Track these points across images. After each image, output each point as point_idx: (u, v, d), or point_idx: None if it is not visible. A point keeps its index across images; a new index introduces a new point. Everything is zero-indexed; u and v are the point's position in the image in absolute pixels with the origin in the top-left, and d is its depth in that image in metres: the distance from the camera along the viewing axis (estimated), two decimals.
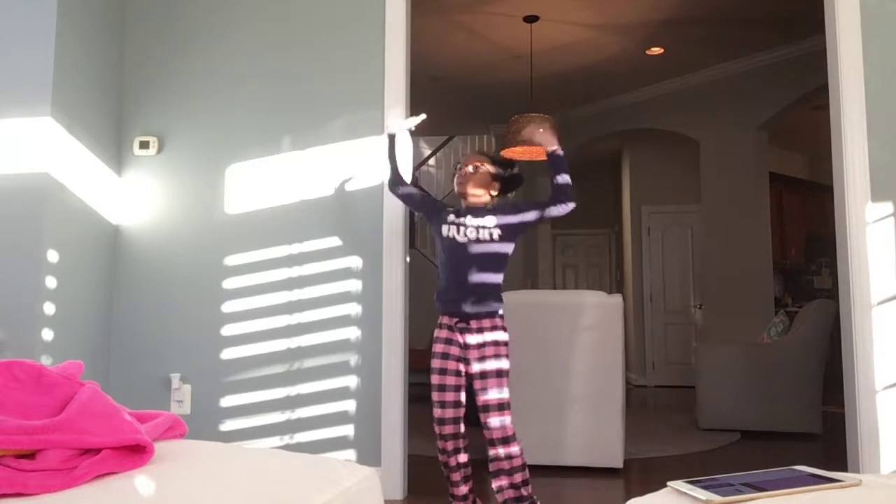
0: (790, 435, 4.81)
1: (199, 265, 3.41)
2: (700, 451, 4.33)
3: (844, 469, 3.07)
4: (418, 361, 8.32)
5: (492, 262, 2.51)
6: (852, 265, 2.97)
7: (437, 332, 2.56)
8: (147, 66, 3.56)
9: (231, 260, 3.39)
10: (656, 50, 6.28)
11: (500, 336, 2.49)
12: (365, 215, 3.30)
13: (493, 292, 2.52)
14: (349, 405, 3.23)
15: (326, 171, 3.37)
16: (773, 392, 4.83)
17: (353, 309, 3.27)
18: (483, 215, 2.56)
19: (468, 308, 2.48)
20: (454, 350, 2.51)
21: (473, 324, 2.48)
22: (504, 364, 2.46)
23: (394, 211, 3.27)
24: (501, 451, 2.42)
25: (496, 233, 2.51)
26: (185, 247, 3.44)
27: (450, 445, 2.51)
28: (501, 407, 2.43)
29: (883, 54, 3.02)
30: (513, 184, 2.69)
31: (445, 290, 2.53)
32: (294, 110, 3.43)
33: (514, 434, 2.44)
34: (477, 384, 2.46)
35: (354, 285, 3.28)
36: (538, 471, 3.57)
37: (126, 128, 3.54)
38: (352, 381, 3.24)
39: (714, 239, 6.74)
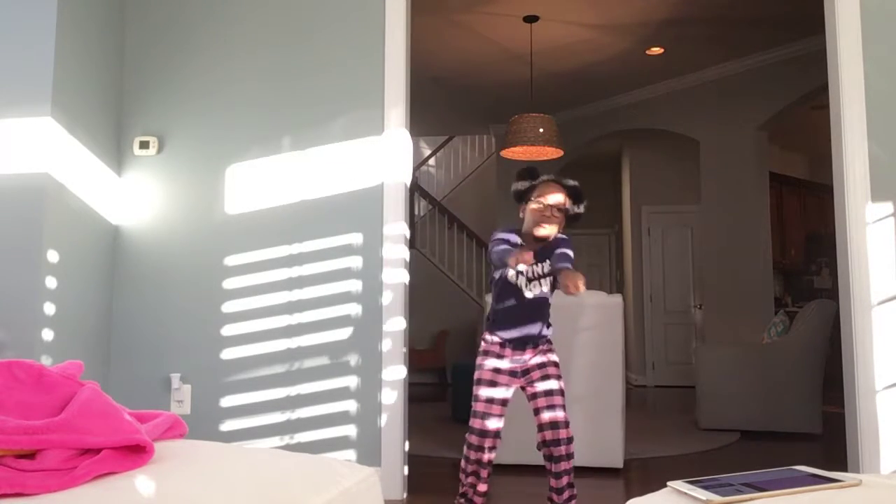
0: (790, 435, 4.81)
1: (200, 265, 3.41)
2: (700, 451, 4.33)
3: (844, 469, 3.07)
4: (418, 361, 8.33)
5: None
6: (852, 265, 2.97)
7: None
8: (147, 65, 3.56)
9: (231, 260, 3.39)
10: (656, 50, 6.28)
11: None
12: (365, 215, 3.30)
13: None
14: (349, 405, 3.23)
15: (326, 171, 3.36)
16: (773, 392, 4.83)
17: (353, 309, 3.27)
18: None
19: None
20: None
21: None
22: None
23: (394, 211, 3.27)
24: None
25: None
26: (185, 247, 3.44)
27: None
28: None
29: (883, 54, 3.02)
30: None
31: None
32: (294, 109, 3.42)
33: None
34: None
35: (354, 285, 3.28)
36: (538, 471, 3.56)
37: (126, 128, 3.54)
38: (352, 381, 3.24)
39: (714, 239, 6.74)
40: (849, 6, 3.04)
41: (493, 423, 2.50)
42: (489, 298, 2.68)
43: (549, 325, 2.61)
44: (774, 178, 7.60)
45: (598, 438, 3.67)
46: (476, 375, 2.56)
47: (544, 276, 2.52)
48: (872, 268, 2.94)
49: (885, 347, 2.90)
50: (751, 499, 1.18)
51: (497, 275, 2.58)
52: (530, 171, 2.61)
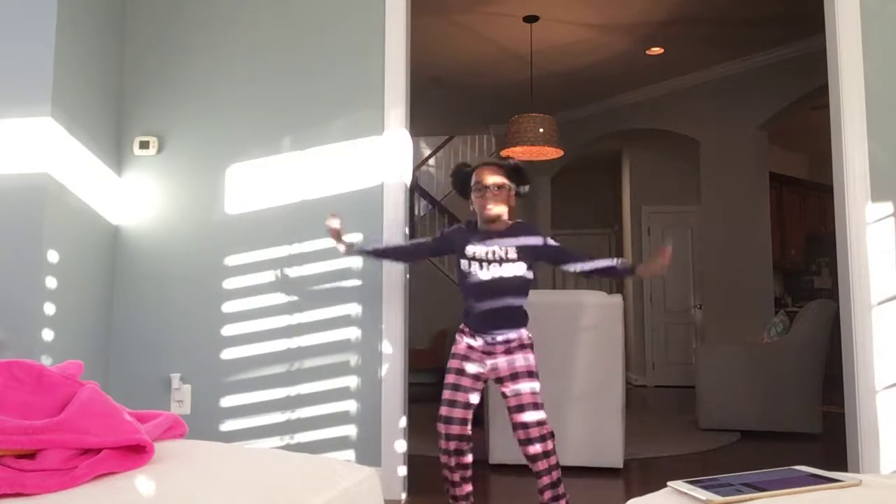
0: (790, 435, 4.81)
1: (199, 265, 3.41)
2: (700, 451, 4.33)
3: (844, 469, 3.07)
4: (418, 361, 8.33)
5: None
6: (852, 265, 2.97)
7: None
8: (147, 65, 3.56)
9: (231, 260, 3.39)
10: (656, 50, 6.28)
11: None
12: (365, 215, 3.30)
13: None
14: (349, 405, 3.23)
15: (326, 171, 3.36)
16: (773, 392, 4.83)
17: (353, 309, 3.27)
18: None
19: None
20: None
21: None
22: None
23: (394, 211, 3.27)
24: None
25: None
26: (185, 247, 3.43)
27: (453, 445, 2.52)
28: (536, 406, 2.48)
29: (883, 54, 3.01)
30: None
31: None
32: (294, 110, 3.42)
33: (551, 433, 2.48)
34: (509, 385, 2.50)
35: (354, 285, 3.28)
36: None
37: (126, 128, 3.54)
38: (352, 381, 3.24)
39: (714, 239, 6.74)
40: (849, 6, 3.04)
41: (455, 429, 2.50)
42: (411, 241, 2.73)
43: (524, 324, 2.56)
44: (774, 178, 7.60)
45: (598, 438, 3.67)
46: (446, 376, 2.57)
47: (507, 260, 2.50)
48: (872, 268, 2.94)
49: (885, 347, 2.90)
50: (751, 499, 1.18)
51: (433, 238, 2.67)
52: (460, 166, 2.68)
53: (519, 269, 2.51)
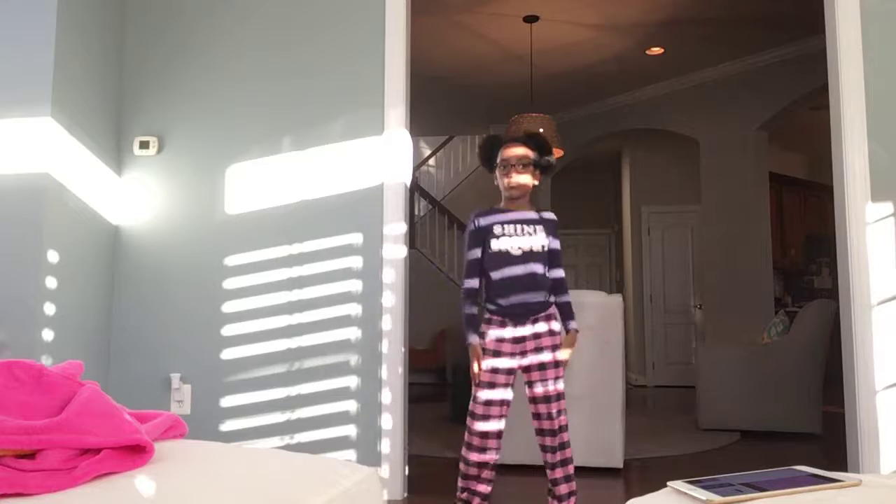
0: (790, 435, 4.81)
1: (199, 265, 3.41)
2: (700, 451, 4.33)
3: (844, 469, 3.07)
4: (418, 361, 8.33)
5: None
6: (852, 265, 2.97)
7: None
8: (147, 65, 3.56)
9: (231, 260, 3.39)
10: (656, 50, 6.28)
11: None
12: (365, 215, 3.30)
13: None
14: (349, 405, 3.23)
15: (326, 171, 3.37)
16: (773, 392, 4.83)
17: (353, 309, 3.27)
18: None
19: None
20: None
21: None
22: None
23: (394, 211, 3.27)
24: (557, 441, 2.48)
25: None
26: (185, 247, 3.44)
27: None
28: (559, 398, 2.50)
29: (883, 54, 3.02)
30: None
31: None
32: (294, 110, 3.43)
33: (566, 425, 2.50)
34: (535, 375, 2.49)
35: (354, 285, 3.28)
36: (538, 471, 3.57)
37: (126, 128, 3.54)
38: (352, 381, 3.24)
39: (714, 239, 6.74)
40: (849, 6, 3.04)
41: (494, 426, 2.47)
42: (468, 283, 2.58)
43: (552, 295, 2.55)
44: (774, 178, 7.61)
45: (598, 438, 3.67)
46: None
47: (534, 235, 2.51)
48: (872, 268, 2.94)
49: (885, 347, 2.90)
50: (751, 499, 1.18)
51: (474, 255, 2.56)
52: (492, 138, 2.65)
53: (544, 247, 2.53)
